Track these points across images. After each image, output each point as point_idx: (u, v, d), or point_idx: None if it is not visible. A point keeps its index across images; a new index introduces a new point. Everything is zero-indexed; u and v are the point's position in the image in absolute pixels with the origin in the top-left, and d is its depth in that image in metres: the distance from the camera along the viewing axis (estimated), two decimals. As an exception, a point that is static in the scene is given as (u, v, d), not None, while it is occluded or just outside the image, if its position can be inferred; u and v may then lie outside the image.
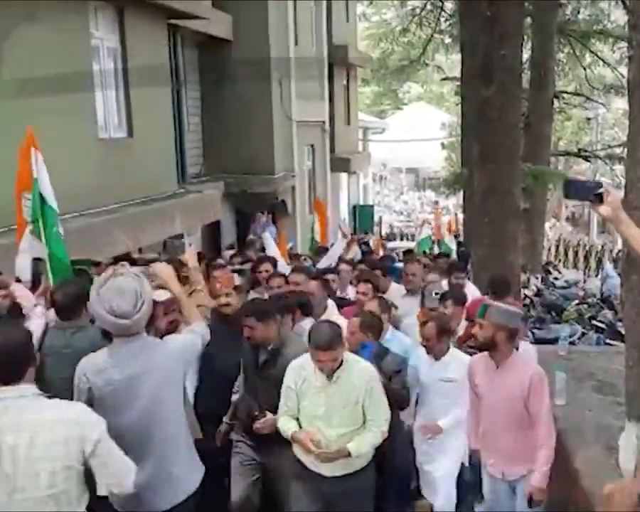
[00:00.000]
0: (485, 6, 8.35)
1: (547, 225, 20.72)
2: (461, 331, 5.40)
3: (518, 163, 9.03)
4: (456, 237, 15.47)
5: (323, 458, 3.88)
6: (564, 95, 19.52)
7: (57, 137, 8.10)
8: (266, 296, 5.62)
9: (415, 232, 25.35)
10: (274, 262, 7.03)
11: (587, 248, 21.29)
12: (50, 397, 2.83)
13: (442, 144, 32.28)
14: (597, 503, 3.85)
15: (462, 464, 4.91)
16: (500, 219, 8.67)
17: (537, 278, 14.58)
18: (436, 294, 5.64)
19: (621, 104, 23.08)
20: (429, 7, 19.32)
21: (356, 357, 4.07)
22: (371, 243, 16.04)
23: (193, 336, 3.60)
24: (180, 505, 3.40)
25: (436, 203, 30.88)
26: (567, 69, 19.80)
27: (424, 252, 11.41)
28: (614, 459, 4.39)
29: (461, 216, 18.20)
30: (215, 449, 4.60)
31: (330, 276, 6.56)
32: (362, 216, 24.12)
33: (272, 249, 8.64)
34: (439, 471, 4.85)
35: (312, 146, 18.44)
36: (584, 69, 19.37)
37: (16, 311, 4.58)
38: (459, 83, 14.77)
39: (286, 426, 4.03)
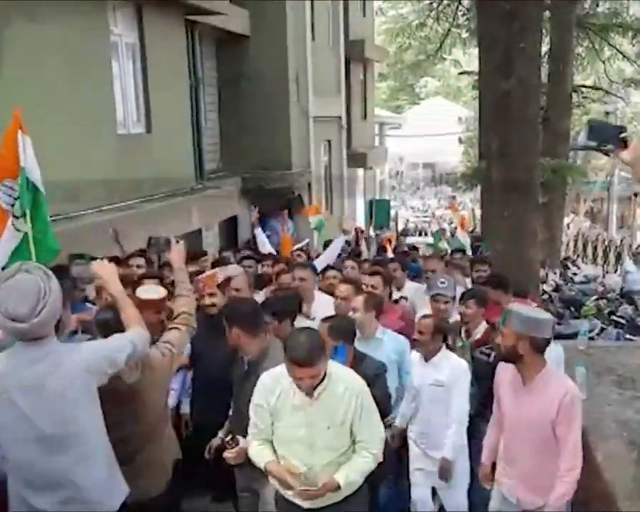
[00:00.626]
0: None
1: (565, 220, 20.55)
2: (479, 334, 5.06)
3: (538, 156, 8.98)
4: (472, 232, 15.40)
5: (307, 496, 3.29)
6: (583, 89, 19.37)
7: (77, 133, 8.19)
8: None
9: (428, 229, 25.37)
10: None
11: (606, 243, 21.11)
12: None
13: (459, 139, 32.15)
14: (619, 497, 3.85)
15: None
16: (519, 213, 8.62)
17: (555, 273, 14.50)
18: (441, 282, 5.29)
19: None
20: (446, 1, 19.22)
21: (342, 368, 3.50)
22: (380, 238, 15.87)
23: (120, 343, 3.14)
24: None
25: (454, 198, 30.82)
26: (585, 63, 19.65)
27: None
28: (634, 454, 4.37)
29: (478, 212, 18.12)
30: (207, 463, 4.26)
31: (331, 273, 6.21)
32: (378, 211, 24.03)
33: (267, 247, 8.54)
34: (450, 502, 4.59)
35: (329, 141, 18.42)
36: (603, 63, 19.23)
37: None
38: (476, 77, 14.68)
39: (259, 454, 3.45)
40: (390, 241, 14.85)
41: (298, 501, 3.39)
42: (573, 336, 7.89)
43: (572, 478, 3.57)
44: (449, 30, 19.65)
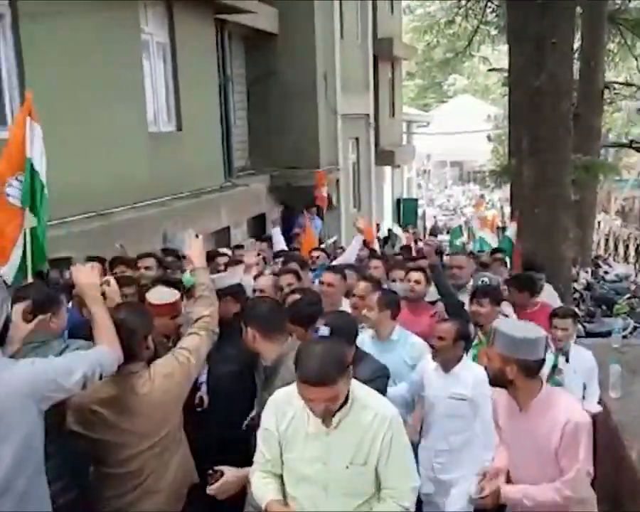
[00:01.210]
0: (535, -6, 8.23)
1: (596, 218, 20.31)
2: None
3: (569, 153, 8.86)
4: (503, 229, 15.26)
5: None
6: (615, 86, 19.10)
7: (109, 131, 8.29)
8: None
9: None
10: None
11: (638, 242, 20.82)
12: None
13: (488, 137, 31.88)
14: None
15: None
16: (550, 211, 8.51)
17: (587, 272, 14.33)
18: (483, 281, 5.04)
19: (673, 94, 22.47)
20: (474, -2, 19.09)
21: (372, 390, 2.84)
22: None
23: (72, 364, 2.67)
24: None
25: (482, 196, 30.60)
26: (617, 59, 19.37)
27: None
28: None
29: (507, 210, 17.98)
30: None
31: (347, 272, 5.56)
32: (406, 210, 23.96)
33: (281, 247, 8.52)
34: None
35: (357, 139, 18.41)
36: (636, 59, 18.93)
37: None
38: (506, 74, 14.56)
39: (261, 490, 2.82)
40: (416, 240, 14.81)
41: None
42: (606, 334, 7.81)
43: (562, 496, 3.01)
44: (478, 27, 19.50)
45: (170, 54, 10.31)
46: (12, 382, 2.46)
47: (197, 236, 3.66)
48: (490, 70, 24.65)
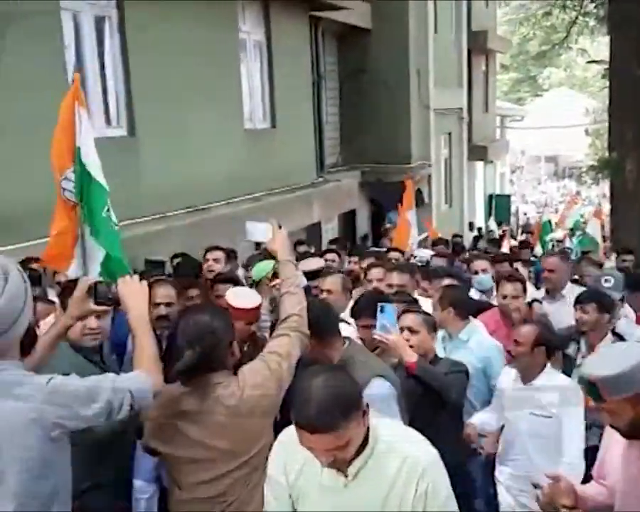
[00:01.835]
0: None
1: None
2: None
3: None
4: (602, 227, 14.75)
5: None
6: None
7: (207, 128, 8.55)
8: None
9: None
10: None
11: None
12: None
13: (586, 131, 30.84)
14: None
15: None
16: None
17: (691, 272, 13.65)
18: (606, 281, 4.50)
19: None
20: (573, -11, 18.48)
21: (400, 429, 2.30)
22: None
23: (94, 391, 2.16)
24: None
25: (578, 193, 29.61)
26: None
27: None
28: None
29: (605, 206, 17.34)
30: None
31: (374, 271, 5.20)
32: (498, 206, 23.49)
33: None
34: None
35: (449, 134, 18.20)
36: None
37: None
38: (606, 66, 14.07)
39: None
40: (511, 237, 14.49)
41: None
42: None
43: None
44: (577, 18, 18.89)
45: (266, 52, 10.51)
46: (18, 403, 2.06)
47: (280, 226, 3.24)
48: (589, 62, 23.87)
